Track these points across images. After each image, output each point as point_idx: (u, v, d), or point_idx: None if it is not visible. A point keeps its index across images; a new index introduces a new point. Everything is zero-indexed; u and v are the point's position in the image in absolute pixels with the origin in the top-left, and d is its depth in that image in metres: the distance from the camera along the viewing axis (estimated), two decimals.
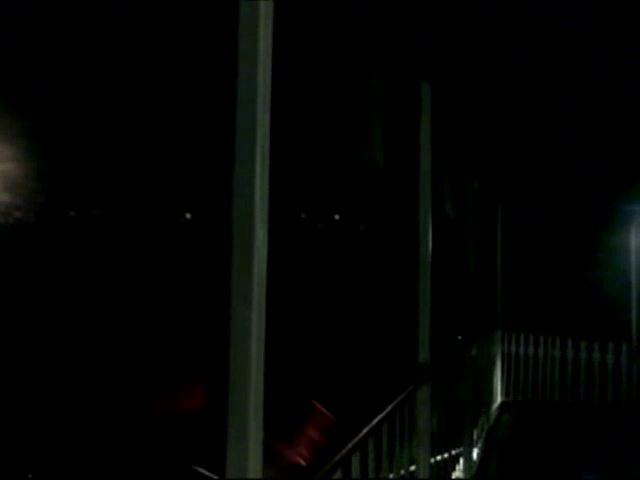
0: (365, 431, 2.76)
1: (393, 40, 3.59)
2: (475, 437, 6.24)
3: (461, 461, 5.62)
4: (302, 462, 6.87)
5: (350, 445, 2.54)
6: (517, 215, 9.57)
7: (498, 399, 8.52)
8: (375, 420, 2.92)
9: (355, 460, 2.58)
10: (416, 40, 3.67)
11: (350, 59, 3.28)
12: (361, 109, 3.35)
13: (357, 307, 18.20)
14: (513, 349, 8.84)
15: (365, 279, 20.47)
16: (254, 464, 1.56)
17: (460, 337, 6.16)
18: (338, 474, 2.34)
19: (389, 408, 3.15)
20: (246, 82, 1.65)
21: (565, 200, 9.52)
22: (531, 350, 8.78)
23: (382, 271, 20.46)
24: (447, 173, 5.17)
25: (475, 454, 6.11)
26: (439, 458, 4.71)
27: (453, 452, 5.35)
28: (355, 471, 2.59)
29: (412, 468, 3.84)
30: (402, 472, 3.45)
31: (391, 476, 3.29)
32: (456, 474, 5.45)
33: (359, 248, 22.79)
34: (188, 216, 25.91)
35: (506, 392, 8.77)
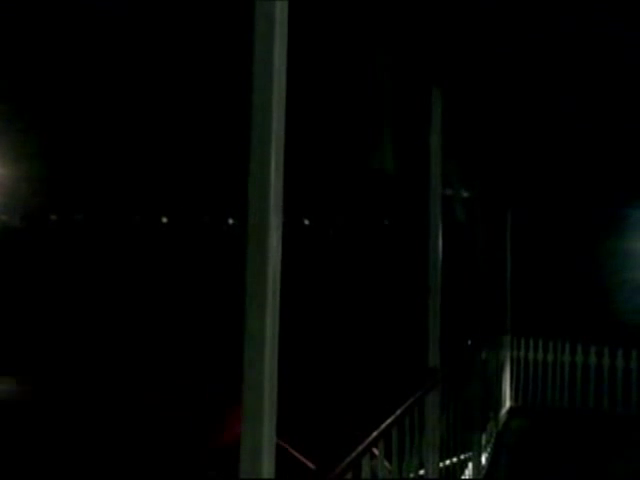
0: (375, 434, 2.76)
1: (404, 45, 3.60)
2: (484, 442, 6.23)
3: (470, 466, 5.61)
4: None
5: (360, 448, 2.54)
6: (527, 219, 9.54)
7: (507, 404, 8.50)
8: (385, 423, 2.92)
9: (365, 463, 2.59)
10: (427, 45, 3.68)
11: (360, 63, 3.29)
12: (372, 116, 3.36)
13: (369, 310, 18.17)
14: (522, 354, 8.80)
15: (376, 283, 20.46)
16: (267, 465, 1.57)
17: (470, 341, 6.15)
18: (348, 476, 2.35)
19: (399, 412, 3.15)
20: (261, 85, 1.65)
21: (576, 204, 9.49)
22: (540, 355, 8.75)
23: (393, 275, 20.43)
24: (457, 176, 5.18)
25: (484, 459, 6.10)
26: (448, 462, 4.70)
27: (462, 457, 5.34)
28: (365, 474, 2.60)
29: (421, 472, 3.84)
30: (411, 475, 3.45)
31: None
32: (465, 478, 5.44)
33: (369, 252, 22.77)
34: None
35: (515, 397, 8.74)
